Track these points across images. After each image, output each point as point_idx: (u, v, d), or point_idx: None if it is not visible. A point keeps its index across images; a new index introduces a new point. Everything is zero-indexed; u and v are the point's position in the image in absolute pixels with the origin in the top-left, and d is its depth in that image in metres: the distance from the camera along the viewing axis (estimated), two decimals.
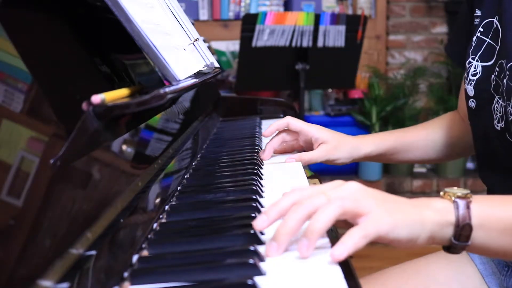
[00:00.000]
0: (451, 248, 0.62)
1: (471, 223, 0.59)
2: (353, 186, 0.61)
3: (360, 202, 0.58)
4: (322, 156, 1.02)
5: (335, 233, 0.64)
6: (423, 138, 1.11)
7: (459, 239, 0.60)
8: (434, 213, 0.60)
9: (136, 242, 0.60)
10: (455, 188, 0.62)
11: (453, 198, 0.61)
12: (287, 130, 1.05)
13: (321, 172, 0.95)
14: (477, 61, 0.93)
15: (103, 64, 0.87)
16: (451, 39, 1.11)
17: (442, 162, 1.13)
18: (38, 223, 0.47)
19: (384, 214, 0.58)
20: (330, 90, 3.10)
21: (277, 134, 1.06)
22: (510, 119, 0.84)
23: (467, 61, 0.95)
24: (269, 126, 1.05)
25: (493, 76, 0.88)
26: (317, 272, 0.53)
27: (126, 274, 0.53)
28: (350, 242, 0.55)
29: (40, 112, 0.58)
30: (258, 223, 0.58)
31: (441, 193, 0.62)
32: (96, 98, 0.59)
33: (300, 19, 2.31)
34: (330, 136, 1.03)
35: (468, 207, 0.60)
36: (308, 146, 1.05)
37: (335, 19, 2.35)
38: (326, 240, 0.60)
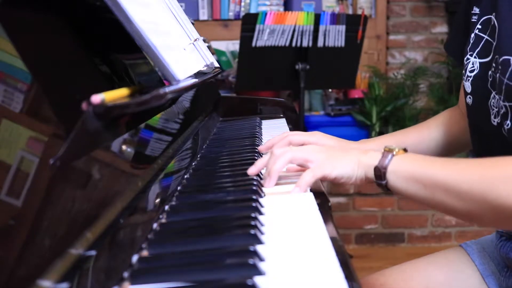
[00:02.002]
0: (378, 185, 0.79)
1: (385, 168, 0.77)
2: (309, 145, 0.89)
3: (308, 153, 0.83)
4: None
5: (335, 233, 0.64)
6: (425, 138, 1.11)
7: (378, 178, 0.78)
8: (367, 158, 0.80)
9: (136, 242, 0.60)
10: (394, 145, 0.79)
11: (383, 151, 0.79)
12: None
13: None
14: (474, 57, 0.93)
15: (103, 64, 0.87)
16: (449, 36, 1.13)
17: (447, 156, 1.17)
18: (38, 223, 0.47)
19: (326, 159, 0.82)
20: (330, 90, 3.10)
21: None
22: (501, 112, 0.85)
23: (465, 58, 0.96)
24: (266, 142, 1.05)
25: (490, 72, 0.89)
26: (317, 272, 0.53)
27: (126, 274, 0.53)
28: (303, 182, 0.79)
29: (40, 112, 0.58)
30: (251, 170, 0.87)
31: (384, 147, 0.80)
32: (96, 98, 0.58)
33: (300, 19, 2.31)
34: (332, 143, 1.05)
35: (391, 158, 0.78)
36: None
37: (335, 19, 2.35)
38: (327, 242, 0.60)
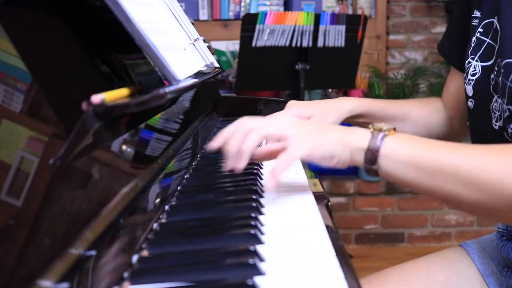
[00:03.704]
0: (365, 169, 0.71)
1: (378, 152, 0.68)
2: (285, 117, 0.79)
3: (283, 128, 0.72)
4: None
5: (335, 233, 0.64)
6: (406, 113, 1.10)
7: (368, 163, 0.69)
8: (354, 138, 0.71)
9: (136, 242, 0.60)
10: (383, 123, 0.71)
11: (371, 130, 0.70)
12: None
13: (321, 172, 0.96)
14: (476, 61, 0.93)
15: (103, 64, 0.87)
16: (444, 38, 1.12)
17: None
18: (38, 223, 0.47)
19: (305, 136, 0.71)
20: (330, 90, 3.10)
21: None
22: (505, 116, 0.85)
23: (466, 61, 0.95)
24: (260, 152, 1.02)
25: (492, 76, 0.89)
26: (317, 272, 0.53)
27: (126, 274, 0.53)
28: (278, 169, 0.70)
29: (40, 112, 0.58)
30: (210, 146, 0.76)
31: (370, 126, 0.71)
32: (96, 98, 0.58)
33: (300, 19, 2.31)
34: (312, 109, 1.01)
35: (382, 138, 0.69)
36: None
37: (335, 19, 2.35)
38: (327, 242, 0.60)
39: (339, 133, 0.72)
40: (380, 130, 0.70)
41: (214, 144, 0.75)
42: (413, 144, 0.69)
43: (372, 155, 0.69)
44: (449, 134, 1.13)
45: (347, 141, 0.71)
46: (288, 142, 0.71)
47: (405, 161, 0.68)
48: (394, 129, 0.71)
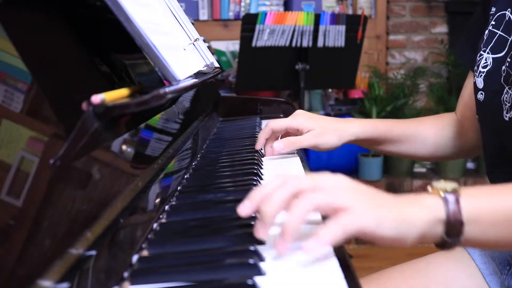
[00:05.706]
0: (443, 245, 0.60)
1: (462, 219, 0.57)
2: (337, 179, 0.58)
3: (337, 196, 0.55)
4: (310, 140, 1.03)
5: None
6: (414, 133, 1.10)
7: (451, 235, 0.58)
8: (423, 211, 0.57)
9: (136, 242, 0.60)
10: (443, 181, 0.59)
11: (442, 194, 0.58)
12: (273, 137, 1.05)
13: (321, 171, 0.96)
14: (488, 53, 0.93)
15: (103, 64, 0.87)
16: (461, 43, 1.10)
17: (430, 161, 1.07)
18: (38, 223, 0.47)
19: (368, 208, 0.55)
20: (330, 90, 3.10)
21: (266, 145, 1.05)
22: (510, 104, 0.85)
23: (478, 54, 0.95)
24: (258, 139, 1.05)
25: (503, 67, 0.89)
26: (317, 272, 0.53)
27: (126, 274, 0.53)
28: (327, 235, 0.53)
29: (40, 112, 0.58)
30: (242, 209, 0.58)
31: (429, 188, 0.60)
32: (96, 98, 0.58)
33: (300, 19, 2.31)
34: (315, 123, 1.04)
35: (457, 201, 0.58)
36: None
37: (335, 19, 2.35)
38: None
39: (403, 206, 0.58)
40: (445, 191, 0.59)
41: (245, 208, 0.59)
42: (485, 199, 0.60)
43: (455, 225, 0.57)
44: (463, 148, 1.11)
45: (415, 216, 0.57)
46: (343, 213, 0.55)
47: (493, 221, 0.59)
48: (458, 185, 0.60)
